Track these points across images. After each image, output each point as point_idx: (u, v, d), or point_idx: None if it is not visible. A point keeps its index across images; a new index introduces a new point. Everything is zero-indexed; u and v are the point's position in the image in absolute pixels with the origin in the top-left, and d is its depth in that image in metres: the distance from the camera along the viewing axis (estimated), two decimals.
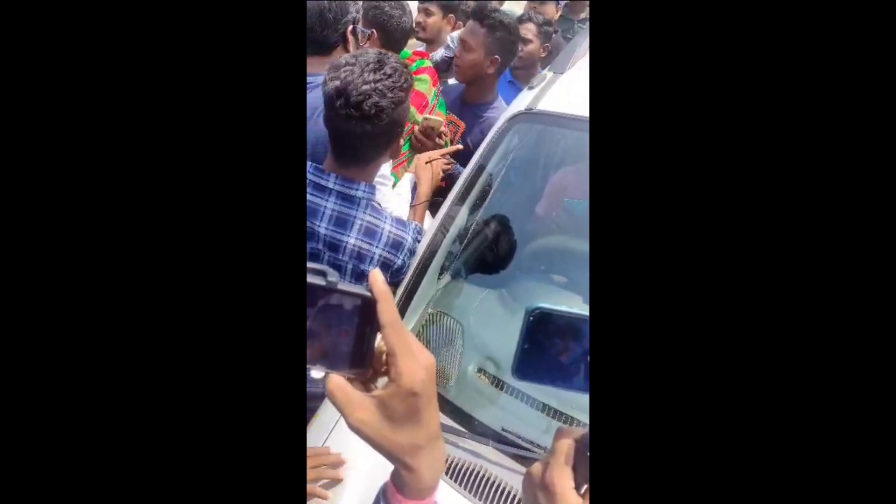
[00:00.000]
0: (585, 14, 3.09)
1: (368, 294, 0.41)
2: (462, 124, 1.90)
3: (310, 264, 0.41)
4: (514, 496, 0.91)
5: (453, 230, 1.32)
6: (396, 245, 1.16)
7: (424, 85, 1.82)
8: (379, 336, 0.42)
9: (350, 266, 1.15)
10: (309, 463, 0.95)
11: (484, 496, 0.91)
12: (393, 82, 1.04)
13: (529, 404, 1.07)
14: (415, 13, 2.20)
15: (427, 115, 1.67)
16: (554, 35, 2.51)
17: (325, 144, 1.16)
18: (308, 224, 1.12)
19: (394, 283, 1.23)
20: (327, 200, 1.11)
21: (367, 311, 0.41)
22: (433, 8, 2.35)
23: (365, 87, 1.01)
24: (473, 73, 1.88)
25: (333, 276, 0.41)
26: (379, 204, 1.20)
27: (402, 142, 1.18)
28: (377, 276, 0.42)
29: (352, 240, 1.12)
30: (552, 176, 1.49)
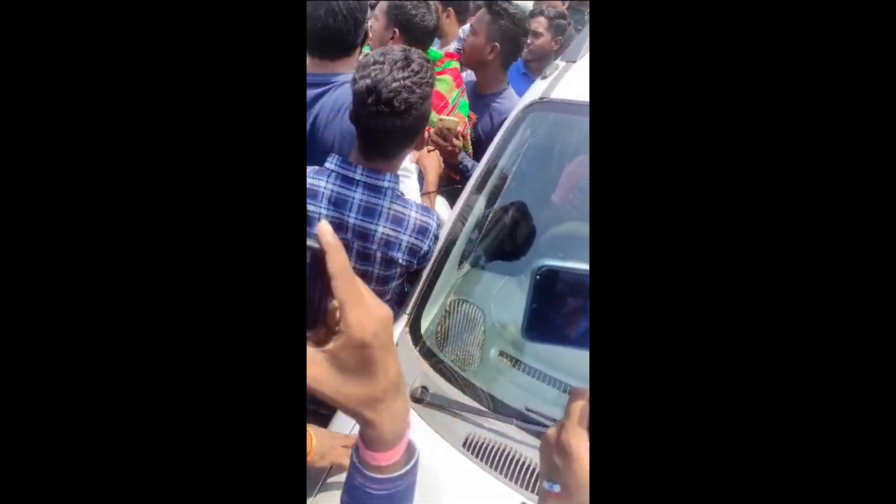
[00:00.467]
0: None
1: (316, 245, 0.39)
2: (474, 116, 1.94)
3: None
4: (538, 471, 0.95)
5: (472, 219, 1.36)
6: (423, 231, 1.20)
7: (445, 85, 1.84)
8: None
9: (379, 254, 1.19)
10: (341, 446, 0.97)
11: (509, 473, 0.94)
12: (420, 78, 1.09)
13: (550, 384, 1.11)
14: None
15: (442, 117, 1.70)
16: (568, 27, 2.54)
17: (350, 139, 1.21)
18: (336, 215, 1.16)
19: (419, 269, 1.27)
20: (355, 191, 1.16)
21: (316, 266, 0.39)
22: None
23: (395, 85, 1.06)
24: (475, 57, 1.95)
25: None
26: (402, 193, 1.24)
27: (426, 134, 1.22)
28: (324, 228, 0.40)
29: (380, 228, 1.17)
30: (568, 163, 1.52)
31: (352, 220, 1.16)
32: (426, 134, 1.23)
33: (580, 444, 0.43)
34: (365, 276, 1.23)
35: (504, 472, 0.95)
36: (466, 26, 2.27)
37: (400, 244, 1.19)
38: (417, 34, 1.75)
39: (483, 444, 0.98)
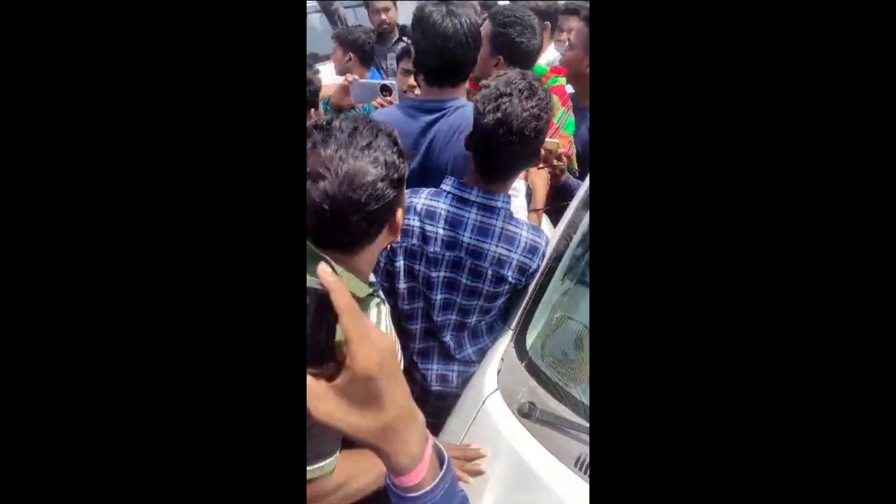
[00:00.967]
0: None
1: (319, 287, 0.41)
2: (571, 139, 1.90)
3: None
4: None
5: (577, 235, 1.36)
6: (533, 250, 1.24)
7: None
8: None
9: (490, 271, 1.24)
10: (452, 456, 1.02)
11: None
12: (546, 104, 1.13)
13: None
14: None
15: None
16: None
17: (463, 161, 1.27)
18: (451, 234, 1.23)
19: (526, 285, 1.31)
20: (470, 212, 1.22)
21: (321, 306, 0.41)
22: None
23: (525, 115, 1.10)
24: (573, 70, 1.90)
25: None
26: (512, 213, 1.28)
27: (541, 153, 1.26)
28: (324, 269, 0.41)
29: (493, 247, 1.22)
30: None
31: (466, 239, 1.22)
32: (541, 153, 1.27)
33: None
34: (475, 294, 1.28)
35: None
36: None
37: (511, 262, 1.23)
38: (521, 60, 1.73)
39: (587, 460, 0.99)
